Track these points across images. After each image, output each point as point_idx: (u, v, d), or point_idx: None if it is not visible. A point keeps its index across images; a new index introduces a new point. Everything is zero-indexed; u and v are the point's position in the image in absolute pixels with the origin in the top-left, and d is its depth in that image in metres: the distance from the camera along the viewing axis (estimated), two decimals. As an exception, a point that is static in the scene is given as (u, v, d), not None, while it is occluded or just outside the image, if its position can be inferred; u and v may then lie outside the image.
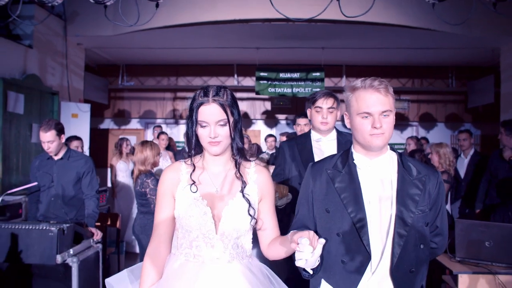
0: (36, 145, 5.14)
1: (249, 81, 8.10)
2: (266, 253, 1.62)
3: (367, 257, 1.49)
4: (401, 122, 8.14)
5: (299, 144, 2.64)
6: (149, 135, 8.09)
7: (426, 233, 1.55)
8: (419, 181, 1.55)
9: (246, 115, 8.43)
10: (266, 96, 7.84)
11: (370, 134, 1.48)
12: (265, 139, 6.46)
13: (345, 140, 2.56)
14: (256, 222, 1.59)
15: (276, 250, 1.56)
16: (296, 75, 6.95)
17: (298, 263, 1.29)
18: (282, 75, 6.94)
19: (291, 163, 2.64)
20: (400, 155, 1.60)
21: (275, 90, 6.99)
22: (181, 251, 1.55)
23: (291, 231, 1.48)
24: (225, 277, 1.50)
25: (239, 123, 1.56)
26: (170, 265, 1.53)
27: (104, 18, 3.61)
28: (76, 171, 3.42)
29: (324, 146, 2.58)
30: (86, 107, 6.08)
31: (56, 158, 3.42)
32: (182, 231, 1.55)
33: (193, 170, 1.56)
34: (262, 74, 7.03)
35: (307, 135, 2.68)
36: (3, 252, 2.70)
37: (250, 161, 1.63)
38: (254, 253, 1.82)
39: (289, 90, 6.96)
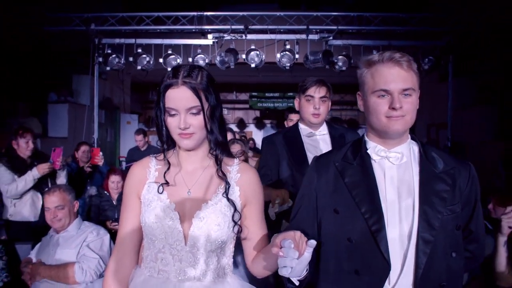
0: (109, 142, 8.12)
1: (244, 96, 11.16)
2: (251, 269, 1.35)
3: (386, 268, 1.19)
4: (353, 127, 11.21)
5: (287, 140, 2.26)
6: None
7: (459, 238, 1.26)
8: (446, 174, 1.26)
9: (242, 120, 11.53)
10: (256, 107, 10.98)
11: (387, 116, 1.21)
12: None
13: (339, 134, 2.27)
14: (239, 232, 1.29)
15: (260, 262, 1.27)
16: (276, 94, 10.15)
17: (282, 271, 1.03)
18: (267, 94, 10.16)
19: (279, 162, 2.25)
20: (422, 145, 1.32)
21: (262, 104, 10.25)
22: (145, 265, 1.30)
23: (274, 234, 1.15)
24: None
25: (217, 110, 1.26)
26: (133, 281, 1.29)
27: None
28: (155, 157, 6.40)
29: (316, 141, 2.24)
30: (135, 117, 9.04)
31: (142, 149, 6.41)
32: (147, 240, 1.30)
33: (168, 168, 1.29)
34: (253, 93, 10.23)
35: (295, 129, 2.31)
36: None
37: (233, 157, 1.35)
38: (242, 272, 1.59)
39: (271, 105, 10.22)
